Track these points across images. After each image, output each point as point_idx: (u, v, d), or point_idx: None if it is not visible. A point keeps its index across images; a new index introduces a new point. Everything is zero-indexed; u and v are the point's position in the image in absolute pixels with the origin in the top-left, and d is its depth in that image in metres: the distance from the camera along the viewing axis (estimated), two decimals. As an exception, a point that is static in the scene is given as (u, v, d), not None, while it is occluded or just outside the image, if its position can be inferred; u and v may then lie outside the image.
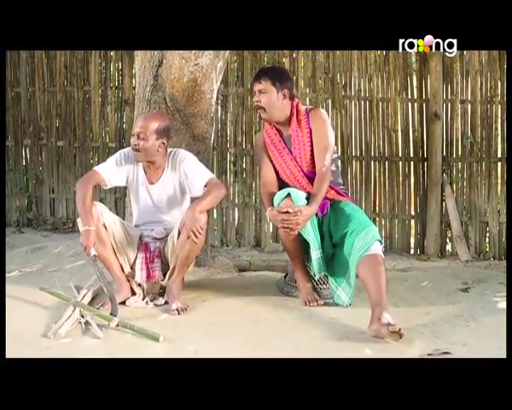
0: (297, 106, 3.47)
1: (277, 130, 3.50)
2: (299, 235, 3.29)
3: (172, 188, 3.46)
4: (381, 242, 3.21)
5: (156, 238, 3.47)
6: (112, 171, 3.40)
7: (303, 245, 3.38)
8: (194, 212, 3.19)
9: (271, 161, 3.49)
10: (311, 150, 3.42)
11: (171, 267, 3.41)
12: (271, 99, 3.40)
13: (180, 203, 3.50)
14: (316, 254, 3.32)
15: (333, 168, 3.46)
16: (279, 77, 3.43)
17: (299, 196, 3.27)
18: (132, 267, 3.44)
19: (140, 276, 3.41)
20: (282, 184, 3.46)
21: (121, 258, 3.41)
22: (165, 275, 3.43)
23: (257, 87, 3.42)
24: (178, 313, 3.23)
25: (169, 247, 3.42)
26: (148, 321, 3.12)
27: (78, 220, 3.29)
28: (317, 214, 3.33)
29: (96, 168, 3.44)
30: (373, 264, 3.10)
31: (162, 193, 3.46)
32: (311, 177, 3.42)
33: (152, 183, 3.45)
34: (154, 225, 3.50)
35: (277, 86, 3.40)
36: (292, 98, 3.47)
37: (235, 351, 2.72)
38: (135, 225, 3.55)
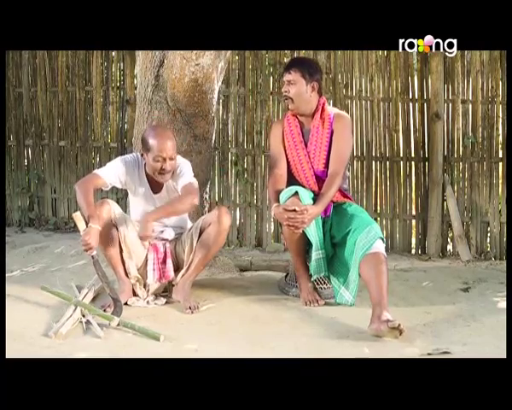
0: (323, 104, 3.47)
1: (299, 121, 3.51)
2: (303, 234, 3.29)
3: (175, 194, 3.45)
4: (383, 240, 3.22)
5: (165, 239, 3.49)
6: (111, 176, 3.33)
7: (306, 245, 3.39)
8: (146, 221, 3.19)
9: (285, 152, 3.50)
10: (327, 152, 3.42)
11: (185, 266, 3.42)
12: (300, 90, 3.41)
13: None
14: (317, 254, 3.33)
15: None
16: (309, 69, 3.43)
17: (305, 195, 3.27)
18: (140, 270, 3.43)
19: (152, 277, 3.41)
20: (290, 178, 3.48)
21: (130, 261, 3.39)
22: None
23: (286, 77, 3.43)
24: (192, 313, 3.26)
25: (186, 246, 3.43)
26: (148, 320, 3.13)
27: (76, 215, 3.18)
28: (320, 215, 3.34)
29: (96, 171, 3.39)
30: (375, 263, 3.10)
31: (166, 200, 3.42)
32: (319, 177, 3.44)
33: (155, 192, 3.43)
34: (160, 227, 3.50)
35: (307, 78, 3.40)
36: (320, 94, 3.48)
37: (235, 350, 2.73)
38: None
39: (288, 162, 3.49)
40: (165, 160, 3.25)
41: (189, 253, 3.42)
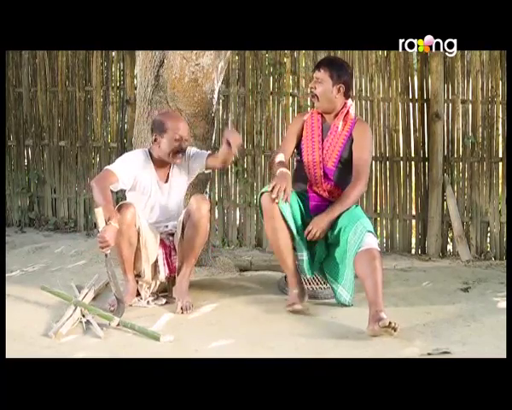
0: (349, 108, 3.52)
1: (322, 117, 3.56)
2: (287, 236, 3.30)
3: (182, 183, 3.53)
4: (373, 233, 3.22)
5: (171, 233, 3.50)
6: (125, 172, 3.32)
7: (291, 246, 3.37)
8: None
9: (300, 141, 3.56)
10: (339, 153, 3.46)
11: (177, 265, 3.43)
12: (325, 90, 3.45)
13: (183, 197, 3.58)
14: (300, 256, 3.36)
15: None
16: (338, 70, 3.46)
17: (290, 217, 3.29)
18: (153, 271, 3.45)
19: (164, 272, 3.43)
20: (300, 171, 3.54)
21: (147, 265, 3.37)
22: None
23: (315, 74, 3.49)
24: (182, 313, 3.25)
25: (176, 241, 3.44)
26: (148, 321, 3.13)
27: (98, 211, 3.08)
28: (309, 213, 3.39)
29: (109, 168, 3.34)
30: (367, 259, 3.11)
31: (173, 190, 3.48)
32: (327, 173, 3.48)
33: (163, 181, 3.46)
34: (166, 221, 3.51)
35: (334, 79, 3.44)
36: (347, 96, 3.52)
37: (235, 350, 2.73)
38: None
39: (301, 154, 3.56)
40: (182, 139, 3.36)
41: (178, 249, 3.42)
